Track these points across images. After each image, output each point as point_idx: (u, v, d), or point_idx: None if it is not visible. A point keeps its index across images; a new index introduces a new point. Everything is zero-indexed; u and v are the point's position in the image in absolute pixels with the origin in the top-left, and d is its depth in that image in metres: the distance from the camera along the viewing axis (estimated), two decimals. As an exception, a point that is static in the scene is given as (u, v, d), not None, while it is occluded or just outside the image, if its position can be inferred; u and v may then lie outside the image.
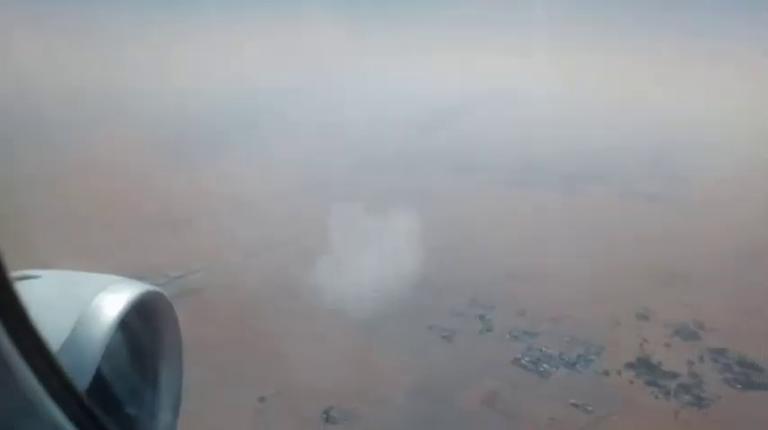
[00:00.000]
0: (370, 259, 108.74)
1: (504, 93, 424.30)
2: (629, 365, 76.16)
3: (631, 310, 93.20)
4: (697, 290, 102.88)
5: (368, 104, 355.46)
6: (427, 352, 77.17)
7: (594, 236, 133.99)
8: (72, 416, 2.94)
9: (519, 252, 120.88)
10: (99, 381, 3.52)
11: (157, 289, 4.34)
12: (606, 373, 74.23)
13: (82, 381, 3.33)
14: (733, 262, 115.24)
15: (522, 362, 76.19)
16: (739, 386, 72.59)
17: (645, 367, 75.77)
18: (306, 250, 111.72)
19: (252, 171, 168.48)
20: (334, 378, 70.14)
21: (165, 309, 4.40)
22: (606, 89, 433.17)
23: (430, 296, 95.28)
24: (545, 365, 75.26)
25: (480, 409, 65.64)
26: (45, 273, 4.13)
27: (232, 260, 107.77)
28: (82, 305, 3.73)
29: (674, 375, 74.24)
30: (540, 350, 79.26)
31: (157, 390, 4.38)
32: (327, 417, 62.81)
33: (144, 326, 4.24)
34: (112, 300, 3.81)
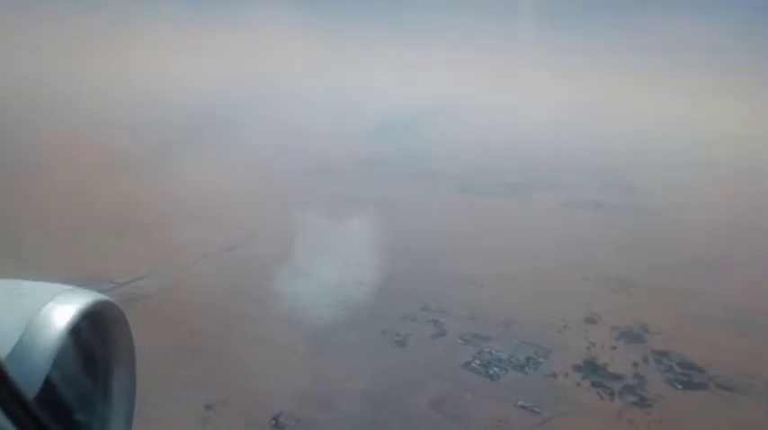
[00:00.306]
0: (324, 265, 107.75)
1: (462, 102, 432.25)
2: (577, 368, 77.74)
3: (579, 315, 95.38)
4: (642, 295, 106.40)
5: (330, 110, 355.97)
6: (379, 357, 76.71)
7: (544, 242, 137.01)
8: (19, 425, 2.88)
9: (471, 258, 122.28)
10: (48, 390, 3.43)
11: (109, 298, 4.26)
12: (554, 376, 75.49)
13: (30, 390, 3.24)
14: (676, 268, 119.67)
15: (473, 365, 76.74)
16: (680, 386, 75.09)
17: (591, 369, 77.47)
18: (258, 256, 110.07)
19: (209, 175, 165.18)
20: (283, 384, 68.94)
21: (116, 319, 4.34)
22: (561, 100, 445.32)
23: (383, 302, 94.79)
24: (495, 368, 76.01)
25: (428, 412, 65.60)
26: None
27: (181, 265, 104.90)
28: (31, 314, 3.66)
29: (619, 377, 76.19)
30: (491, 353, 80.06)
31: (110, 399, 4.34)
32: (276, 424, 61.50)
33: (95, 335, 4.19)
34: (62, 309, 3.76)
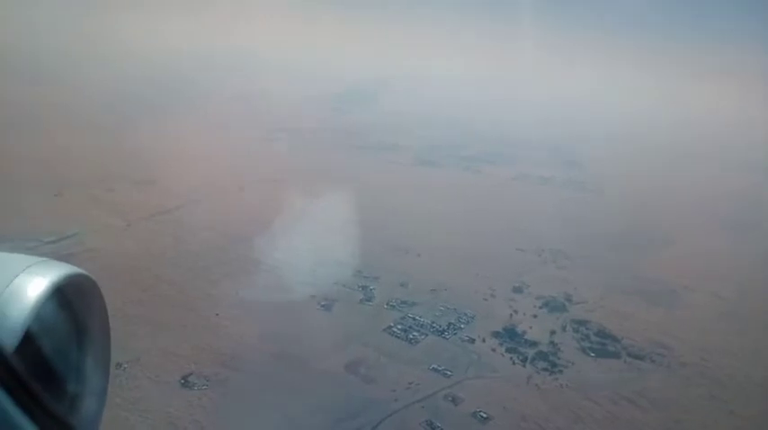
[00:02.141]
0: (260, 231, 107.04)
1: (423, 76, 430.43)
2: (495, 334, 79.57)
3: (508, 284, 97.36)
4: (572, 266, 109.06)
5: (292, 78, 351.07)
6: (302, 320, 76.98)
7: (486, 214, 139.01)
8: None
9: (414, 228, 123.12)
10: (21, 362, 3.27)
11: (83, 271, 4.16)
12: (472, 341, 77.17)
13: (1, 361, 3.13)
14: (609, 242, 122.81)
15: (394, 329, 77.80)
16: (593, 354, 77.65)
17: (509, 336, 79.44)
18: (194, 219, 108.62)
19: (159, 137, 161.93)
20: (199, 345, 68.91)
21: (90, 291, 4.26)
22: (521, 80, 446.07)
23: (316, 268, 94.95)
24: (415, 333, 77.22)
25: (342, 374, 66.42)
26: None
27: (114, 226, 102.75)
28: (2, 286, 3.57)
29: (535, 343, 78.34)
30: (414, 319, 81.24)
31: (83, 371, 4.28)
32: (185, 383, 61.39)
33: (69, 307, 4.10)
34: (35, 281, 3.67)
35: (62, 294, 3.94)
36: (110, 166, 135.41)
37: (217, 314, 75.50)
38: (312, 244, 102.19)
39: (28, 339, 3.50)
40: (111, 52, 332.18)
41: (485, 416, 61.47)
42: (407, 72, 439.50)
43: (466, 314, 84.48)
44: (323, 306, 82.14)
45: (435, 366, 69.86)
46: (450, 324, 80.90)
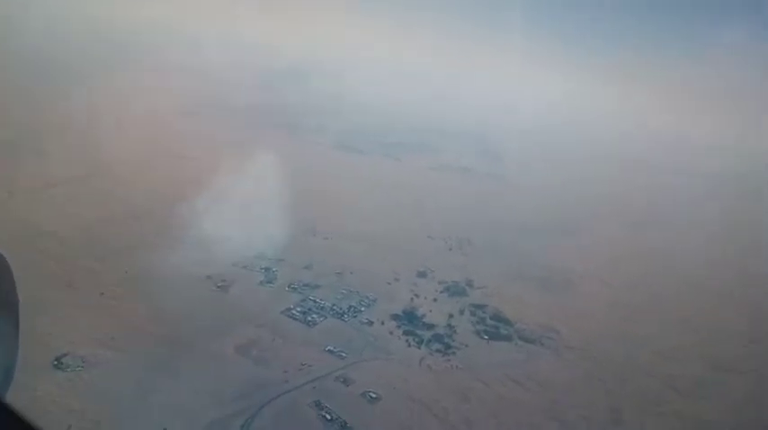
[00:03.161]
0: (165, 207, 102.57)
1: (367, 64, 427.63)
2: (395, 317, 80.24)
3: (413, 269, 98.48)
4: (477, 254, 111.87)
5: (222, 55, 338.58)
6: (194, 301, 74.17)
7: (403, 200, 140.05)
8: None
9: (328, 211, 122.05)
10: None
11: None
12: (370, 323, 77.42)
13: None
14: (517, 232, 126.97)
15: (293, 312, 76.68)
16: (486, 337, 79.98)
17: (408, 318, 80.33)
18: (91, 192, 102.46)
19: (76, 110, 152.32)
20: (78, 324, 64.77)
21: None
22: (467, 76, 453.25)
23: (218, 248, 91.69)
24: (314, 315, 76.47)
25: (232, 356, 64.68)
26: None
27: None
28: None
29: (432, 326, 79.69)
30: (315, 301, 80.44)
31: None
32: (58, 364, 57.53)
33: None
34: None
35: None
36: (4, 135, 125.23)
37: (102, 293, 71.40)
38: (215, 223, 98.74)
39: None
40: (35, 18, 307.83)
41: (374, 396, 61.79)
42: (352, 58, 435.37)
43: (368, 297, 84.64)
44: (219, 287, 79.70)
45: (331, 348, 69.49)
46: (350, 307, 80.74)
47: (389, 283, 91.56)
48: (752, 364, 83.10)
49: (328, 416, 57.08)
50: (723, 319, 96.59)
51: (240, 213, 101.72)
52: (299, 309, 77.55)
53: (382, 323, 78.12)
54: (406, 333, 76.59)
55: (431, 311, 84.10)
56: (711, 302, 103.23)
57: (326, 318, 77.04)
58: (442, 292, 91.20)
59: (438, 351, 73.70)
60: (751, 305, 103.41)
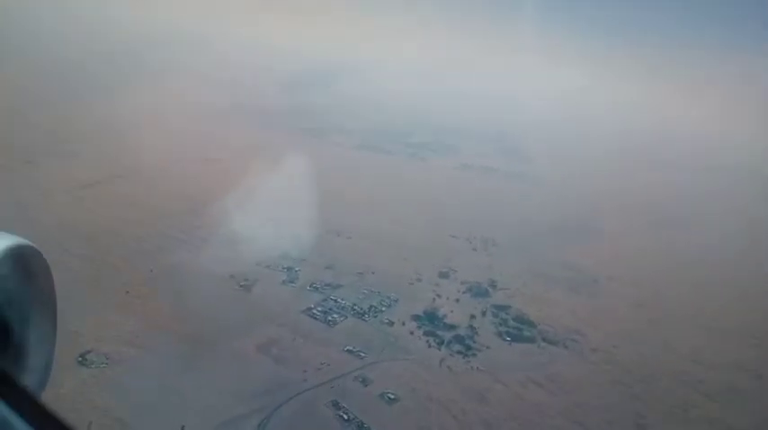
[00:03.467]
0: (190, 209, 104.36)
1: (388, 64, 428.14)
2: (416, 317, 79.84)
3: (435, 269, 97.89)
4: (501, 254, 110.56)
5: (246, 59, 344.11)
6: (217, 300, 75.11)
7: (426, 201, 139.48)
8: None
9: (351, 211, 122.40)
10: None
11: (31, 243, 4.16)
12: (391, 324, 77.20)
13: None
14: (542, 233, 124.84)
15: (314, 311, 76.99)
16: (509, 338, 78.93)
17: (429, 319, 79.86)
18: (115, 194, 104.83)
19: (98, 114, 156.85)
20: (104, 322, 66.24)
21: (38, 263, 4.25)
22: (487, 74, 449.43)
23: (242, 248, 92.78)
24: (334, 315, 76.63)
25: (252, 355, 65.26)
26: None
27: (25, 199, 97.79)
28: None
29: (454, 327, 79.04)
30: (336, 301, 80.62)
31: (27, 345, 4.15)
32: (82, 361, 58.92)
33: (15, 278, 4.06)
34: None
35: (9, 264, 3.95)
36: (36, 138, 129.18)
37: (127, 292, 72.82)
38: (240, 223, 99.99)
39: None
40: (57, 24, 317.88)
41: (392, 397, 61.57)
42: (372, 59, 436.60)
43: (389, 297, 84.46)
44: (242, 286, 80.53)
45: (350, 348, 69.54)
46: (371, 307, 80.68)
47: (411, 284, 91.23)
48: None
49: (345, 416, 57.10)
50: (753, 322, 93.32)
51: (264, 214, 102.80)
52: (319, 309, 77.84)
53: (403, 323, 77.82)
54: (426, 333, 76.15)
55: (452, 312, 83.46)
56: (741, 304, 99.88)
57: (347, 317, 77.12)
58: (464, 293, 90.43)
59: (459, 352, 73.05)
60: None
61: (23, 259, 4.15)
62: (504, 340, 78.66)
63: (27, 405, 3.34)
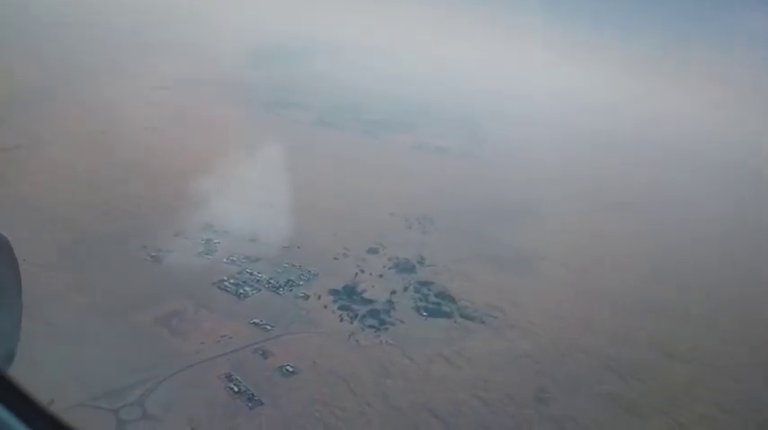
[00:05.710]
0: (107, 175, 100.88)
1: (351, 42, 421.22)
2: (333, 292, 78.53)
3: (365, 245, 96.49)
4: (436, 232, 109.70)
5: (210, 30, 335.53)
6: (123, 270, 72.75)
7: (371, 178, 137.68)
8: None
9: (291, 186, 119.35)
10: None
11: None
12: (306, 298, 75.78)
13: None
14: (481, 213, 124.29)
15: (225, 284, 75.09)
16: (425, 313, 78.18)
17: (347, 294, 78.63)
18: (29, 159, 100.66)
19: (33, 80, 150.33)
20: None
21: (2, 251, 4.43)
22: (439, 53, 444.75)
23: (162, 219, 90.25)
24: (246, 288, 74.83)
25: (149, 327, 63.18)
26: None
27: None
28: None
29: (371, 302, 77.96)
30: (252, 274, 78.81)
31: None
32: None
33: None
34: None
35: None
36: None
37: (24, 259, 69.42)
38: (165, 193, 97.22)
39: None
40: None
41: (291, 369, 60.33)
42: (343, 38, 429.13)
43: (309, 271, 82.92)
44: (152, 257, 78.00)
45: (257, 320, 67.99)
46: (288, 280, 79.07)
47: (336, 259, 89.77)
48: (700, 353, 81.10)
49: (236, 388, 55.66)
50: (681, 306, 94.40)
51: (193, 183, 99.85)
52: (231, 281, 75.97)
53: (318, 297, 76.45)
54: (341, 308, 74.94)
55: (373, 287, 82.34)
56: (671, 289, 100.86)
57: (260, 290, 75.41)
58: (390, 269, 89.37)
59: (371, 326, 72.03)
60: (710, 292, 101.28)
61: None
62: (421, 315, 77.88)
63: (23, 404, 3.31)
